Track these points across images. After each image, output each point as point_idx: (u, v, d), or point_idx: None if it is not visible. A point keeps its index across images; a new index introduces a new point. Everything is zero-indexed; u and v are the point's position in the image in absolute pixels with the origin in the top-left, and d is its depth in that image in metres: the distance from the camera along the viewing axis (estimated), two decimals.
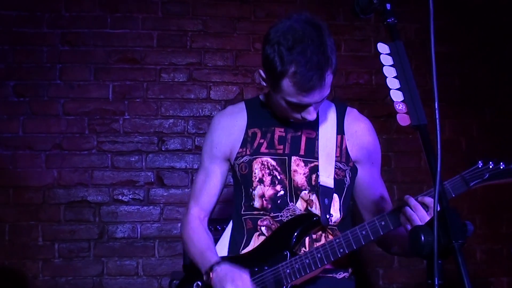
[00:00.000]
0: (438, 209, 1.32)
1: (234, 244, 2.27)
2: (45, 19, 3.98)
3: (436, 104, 1.37)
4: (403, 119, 1.46)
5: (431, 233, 1.30)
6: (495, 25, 4.41)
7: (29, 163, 3.86)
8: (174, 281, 3.05)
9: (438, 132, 1.34)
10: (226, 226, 2.40)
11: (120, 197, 3.92)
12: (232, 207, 2.33)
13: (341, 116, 2.27)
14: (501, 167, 1.93)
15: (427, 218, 1.80)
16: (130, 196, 3.93)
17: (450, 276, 1.36)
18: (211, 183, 2.33)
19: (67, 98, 3.95)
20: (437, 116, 1.35)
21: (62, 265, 3.80)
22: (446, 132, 4.19)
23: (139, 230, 3.91)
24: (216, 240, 2.34)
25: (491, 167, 1.93)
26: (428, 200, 1.86)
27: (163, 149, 4.01)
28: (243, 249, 2.21)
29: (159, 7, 4.11)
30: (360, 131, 2.26)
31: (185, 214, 2.38)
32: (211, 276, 2.06)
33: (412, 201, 1.87)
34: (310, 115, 2.05)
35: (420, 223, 1.79)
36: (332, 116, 2.26)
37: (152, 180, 3.98)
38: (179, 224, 3.79)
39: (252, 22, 4.18)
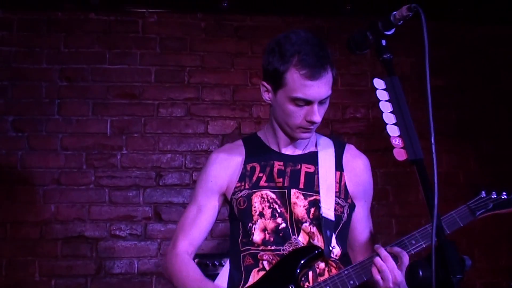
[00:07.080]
0: (435, 243, 1.32)
1: (232, 282, 2.20)
2: (44, 54, 4.02)
3: (432, 139, 1.38)
4: (400, 154, 1.46)
5: (429, 268, 1.30)
6: (491, 57, 4.45)
7: (27, 198, 3.85)
8: None
9: (435, 166, 1.34)
10: (224, 262, 2.36)
11: (117, 232, 3.90)
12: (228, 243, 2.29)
13: (340, 152, 2.27)
14: (503, 197, 1.97)
15: (396, 268, 1.84)
16: (128, 231, 3.91)
17: None
18: (203, 218, 2.25)
19: (65, 133, 3.96)
20: (433, 151, 1.35)
21: None
22: (444, 165, 4.19)
23: (136, 265, 3.88)
24: (213, 276, 2.27)
25: (493, 197, 1.97)
26: (397, 250, 1.89)
27: (160, 184, 4.01)
28: (242, 286, 2.14)
29: (157, 43, 4.15)
30: (359, 168, 2.26)
31: (172, 247, 2.26)
32: None
33: (382, 251, 1.90)
34: (315, 115, 2.02)
35: (390, 275, 1.83)
36: (330, 151, 2.26)
37: (150, 215, 3.96)
38: None
39: (249, 58, 4.23)
